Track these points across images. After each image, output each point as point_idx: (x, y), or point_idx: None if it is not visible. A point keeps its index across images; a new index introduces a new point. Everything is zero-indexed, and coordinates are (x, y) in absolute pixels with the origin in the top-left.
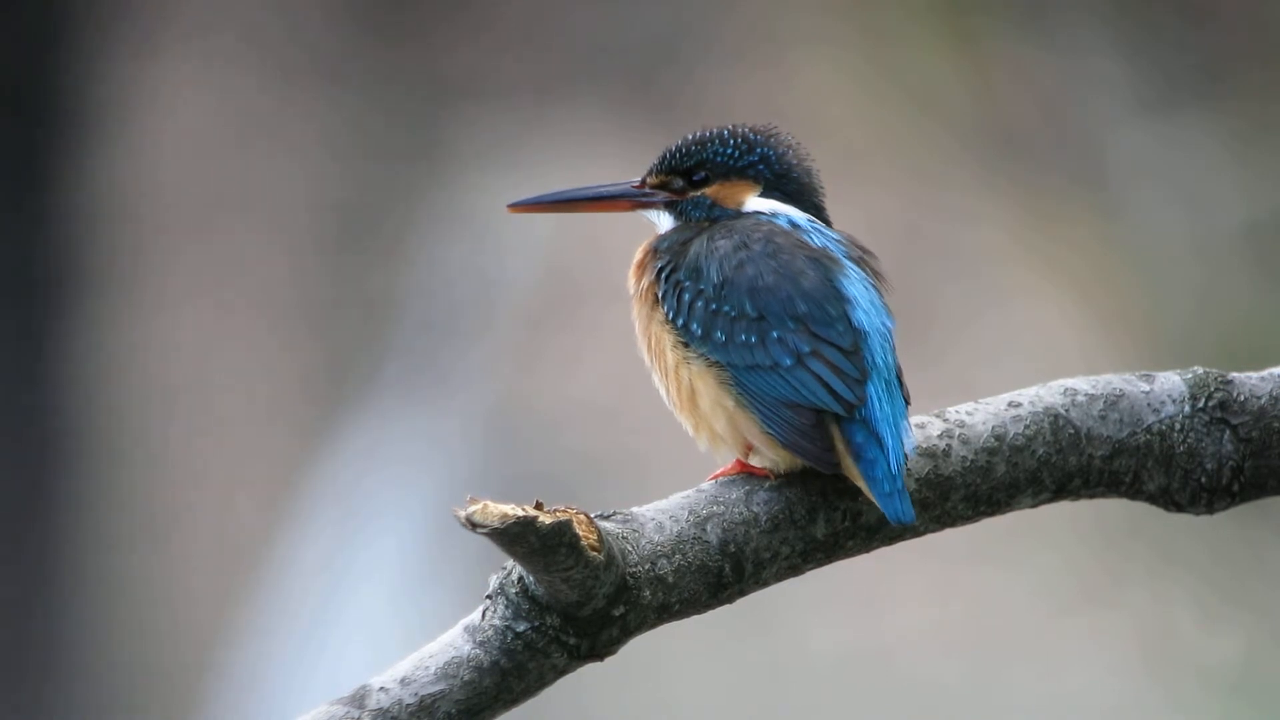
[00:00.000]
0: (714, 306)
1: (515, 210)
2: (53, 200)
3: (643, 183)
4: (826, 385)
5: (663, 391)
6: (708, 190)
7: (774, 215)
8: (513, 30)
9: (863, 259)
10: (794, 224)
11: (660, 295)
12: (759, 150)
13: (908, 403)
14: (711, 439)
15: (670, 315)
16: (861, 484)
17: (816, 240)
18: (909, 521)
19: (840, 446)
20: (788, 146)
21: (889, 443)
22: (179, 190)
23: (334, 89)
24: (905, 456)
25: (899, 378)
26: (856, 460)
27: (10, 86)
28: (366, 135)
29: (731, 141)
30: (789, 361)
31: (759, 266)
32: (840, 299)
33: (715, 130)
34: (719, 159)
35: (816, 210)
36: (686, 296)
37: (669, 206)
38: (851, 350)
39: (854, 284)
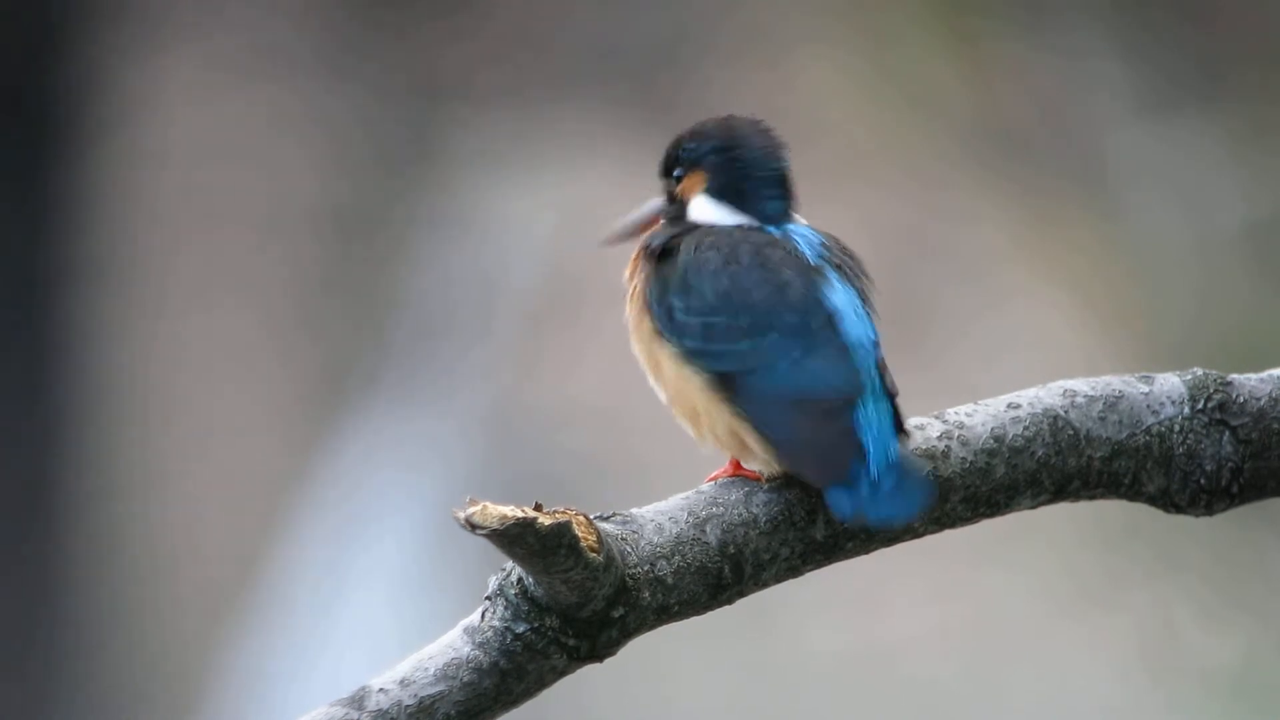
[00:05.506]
0: (708, 322)
1: (612, 244)
2: (53, 201)
3: (670, 196)
4: (832, 374)
5: (661, 396)
6: (679, 188)
7: (741, 223)
8: (512, 31)
9: (844, 263)
10: (764, 230)
11: (653, 316)
12: (711, 142)
13: (894, 395)
14: (715, 442)
15: (664, 334)
16: None
17: (803, 246)
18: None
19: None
20: (748, 134)
21: (870, 450)
22: (178, 191)
23: (334, 90)
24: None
25: (883, 377)
26: None
27: (10, 86)
28: (366, 136)
29: (697, 134)
30: (785, 365)
31: (749, 279)
32: (824, 311)
33: (694, 124)
34: (686, 153)
35: (783, 203)
36: (679, 316)
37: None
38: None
39: (838, 293)
